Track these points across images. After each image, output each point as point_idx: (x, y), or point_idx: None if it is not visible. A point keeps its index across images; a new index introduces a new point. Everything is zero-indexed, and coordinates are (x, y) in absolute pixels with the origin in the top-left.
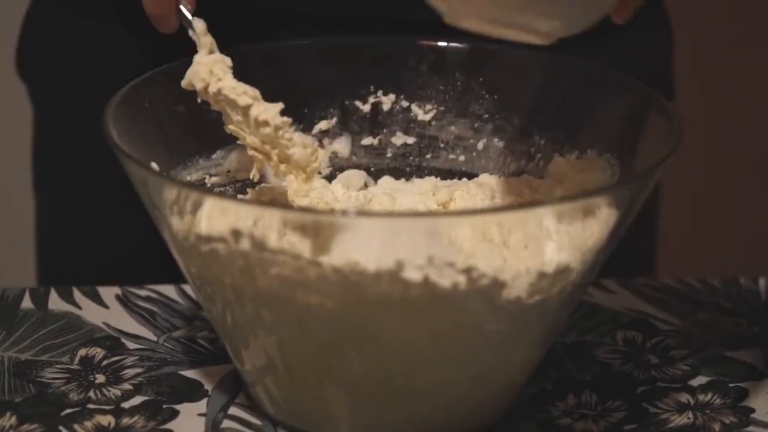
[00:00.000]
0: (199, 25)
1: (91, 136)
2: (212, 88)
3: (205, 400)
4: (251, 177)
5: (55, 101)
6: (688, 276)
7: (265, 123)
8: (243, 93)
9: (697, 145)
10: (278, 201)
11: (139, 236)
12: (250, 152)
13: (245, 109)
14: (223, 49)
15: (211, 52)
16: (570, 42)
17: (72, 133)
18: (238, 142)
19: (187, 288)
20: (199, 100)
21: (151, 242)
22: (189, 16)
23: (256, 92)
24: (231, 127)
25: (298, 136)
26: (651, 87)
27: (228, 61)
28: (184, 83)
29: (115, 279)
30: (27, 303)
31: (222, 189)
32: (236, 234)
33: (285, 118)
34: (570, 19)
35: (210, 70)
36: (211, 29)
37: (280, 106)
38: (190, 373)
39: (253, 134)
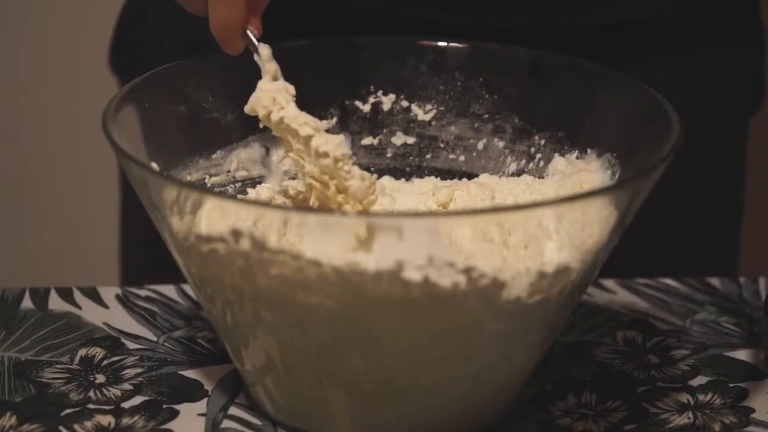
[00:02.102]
0: (264, 51)
1: None
2: (275, 117)
3: (205, 400)
4: (311, 203)
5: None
6: (688, 276)
7: (326, 154)
8: (305, 123)
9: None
10: (278, 201)
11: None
12: (308, 180)
13: (306, 140)
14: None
15: (275, 78)
16: (659, 51)
17: None
18: (295, 170)
19: (187, 288)
20: (261, 126)
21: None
22: (255, 41)
23: (318, 123)
24: (291, 155)
25: (357, 169)
26: (746, 97)
27: (291, 89)
28: (247, 109)
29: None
30: (27, 303)
31: (222, 189)
32: (236, 234)
33: (345, 151)
34: None
35: (273, 98)
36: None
37: (341, 138)
38: (190, 373)
39: (312, 164)
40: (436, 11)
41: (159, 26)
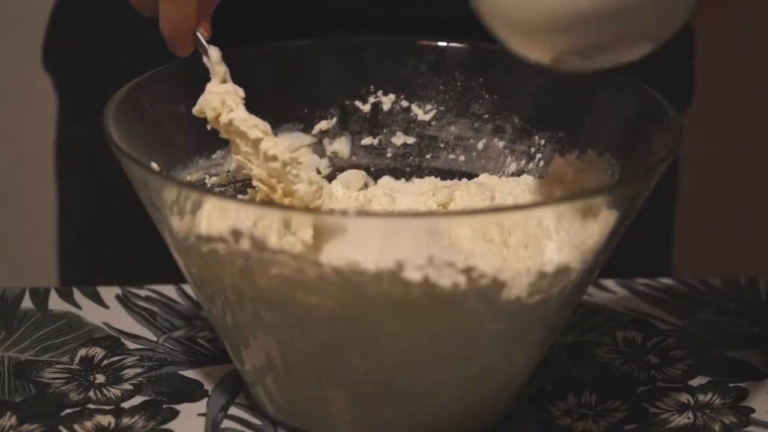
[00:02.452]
0: (213, 53)
1: None
2: (224, 119)
3: (205, 400)
4: (251, 196)
5: (81, 94)
6: (688, 276)
7: (274, 158)
8: (254, 126)
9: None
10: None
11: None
12: (255, 183)
13: (255, 142)
14: (227, 48)
15: (224, 81)
16: None
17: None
18: (244, 171)
19: (187, 288)
20: (209, 127)
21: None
22: (204, 43)
23: (267, 126)
24: (238, 158)
25: (305, 173)
26: (667, 90)
27: (240, 92)
28: (195, 110)
29: (116, 279)
30: (27, 303)
31: (222, 189)
32: (236, 234)
33: (293, 155)
34: (661, 20)
35: (222, 100)
36: (217, 28)
37: (287, 143)
38: (190, 373)
39: (260, 167)
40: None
41: (92, 24)
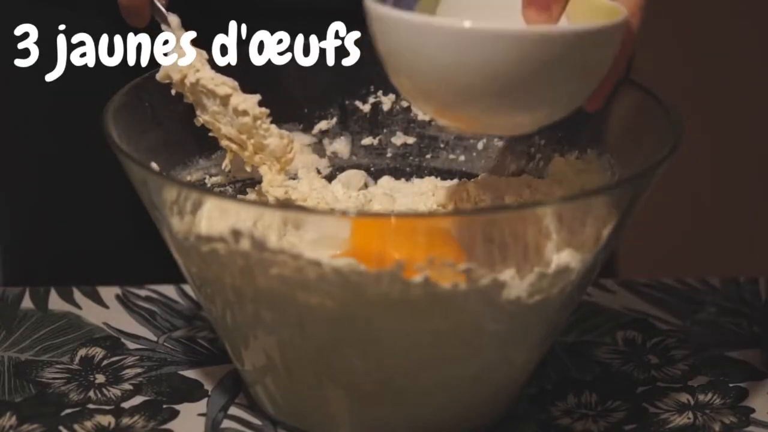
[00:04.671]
0: (173, 19)
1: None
2: (190, 79)
3: (205, 400)
4: (223, 167)
5: (17, 95)
6: (688, 276)
7: (245, 112)
8: (222, 83)
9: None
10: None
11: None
12: (224, 143)
13: (224, 99)
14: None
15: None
16: None
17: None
18: (210, 134)
19: (187, 288)
20: (173, 92)
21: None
22: (163, 10)
23: (235, 83)
24: (205, 118)
25: (275, 128)
26: None
27: (205, 54)
28: (159, 76)
29: (114, 279)
30: (27, 303)
31: (222, 189)
32: (236, 234)
33: (263, 109)
34: (549, 112)
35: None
36: (190, 22)
37: (257, 97)
38: (190, 373)
39: (229, 124)
40: None
41: (30, 21)
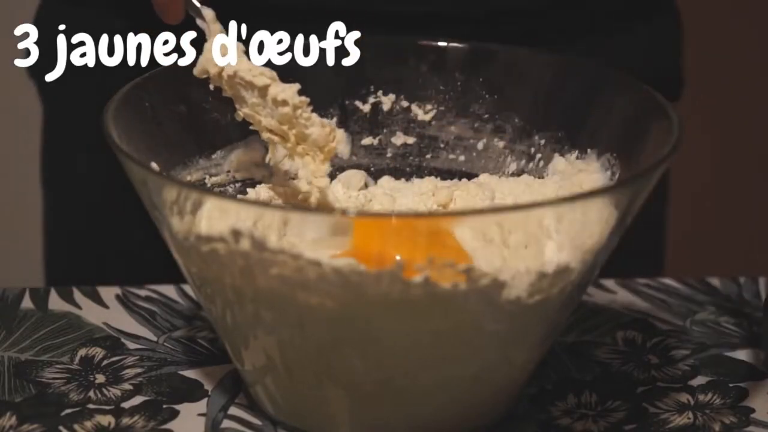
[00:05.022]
0: (208, 12)
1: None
2: (228, 72)
3: (205, 400)
4: (267, 161)
5: (65, 99)
6: (688, 276)
7: (284, 102)
8: (260, 74)
9: (698, 145)
10: (279, 200)
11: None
12: (265, 135)
13: (263, 90)
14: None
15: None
16: (569, 37)
17: (82, 131)
18: (251, 127)
19: (187, 288)
20: (211, 87)
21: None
22: (197, 4)
23: (273, 73)
24: (245, 111)
25: (316, 116)
26: (655, 84)
27: (241, 46)
28: (196, 71)
29: (116, 279)
30: (27, 303)
31: (222, 189)
32: (236, 234)
33: (303, 98)
34: None
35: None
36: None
37: (297, 86)
38: (190, 373)
39: (269, 116)
40: None
41: (76, 28)
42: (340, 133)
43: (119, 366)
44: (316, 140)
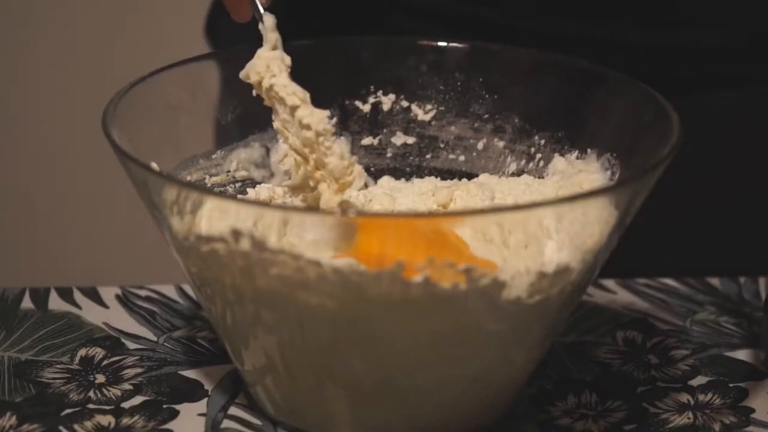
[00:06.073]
0: (268, 20)
1: None
2: (266, 83)
3: (205, 400)
4: (286, 181)
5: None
6: (688, 276)
7: (308, 127)
8: (293, 93)
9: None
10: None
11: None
12: (290, 153)
13: (292, 109)
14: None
15: (274, 48)
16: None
17: None
18: (280, 138)
19: (187, 288)
20: (254, 93)
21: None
22: (261, 9)
23: (306, 95)
24: (277, 125)
25: (338, 147)
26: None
27: (287, 60)
28: (241, 75)
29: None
30: (27, 303)
31: (222, 189)
32: (236, 234)
33: (328, 127)
34: None
35: (267, 65)
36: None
37: (326, 113)
38: (190, 373)
39: (295, 135)
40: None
41: None
42: (359, 169)
43: (119, 366)
44: (333, 171)
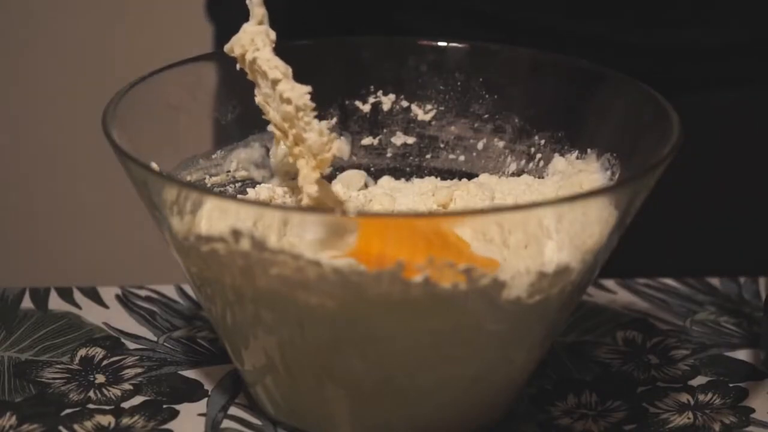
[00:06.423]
0: None
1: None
2: (249, 57)
3: (205, 400)
4: (270, 155)
5: None
6: (688, 276)
7: (288, 101)
8: (275, 67)
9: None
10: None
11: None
12: (270, 128)
13: (274, 83)
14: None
15: (260, 23)
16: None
17: None
18: (262, 116)
19: (187, 288)
20: (237, 67)
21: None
22: None
23: (288, 69)
24: (258, 99)
25: (317, 124)
26: None
27: (272, 34)
28: (226, 48)
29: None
30: (27, 303)
31: (222, 189)
32: (236, 234)
33: (308, 102)
34: None
35: (252, 39)
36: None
37: (307, 88)
38: (190, 373)
39: (276, 110)
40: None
41: None
42: (338, 145)
43: (119, 366)
44: (311, 146)
